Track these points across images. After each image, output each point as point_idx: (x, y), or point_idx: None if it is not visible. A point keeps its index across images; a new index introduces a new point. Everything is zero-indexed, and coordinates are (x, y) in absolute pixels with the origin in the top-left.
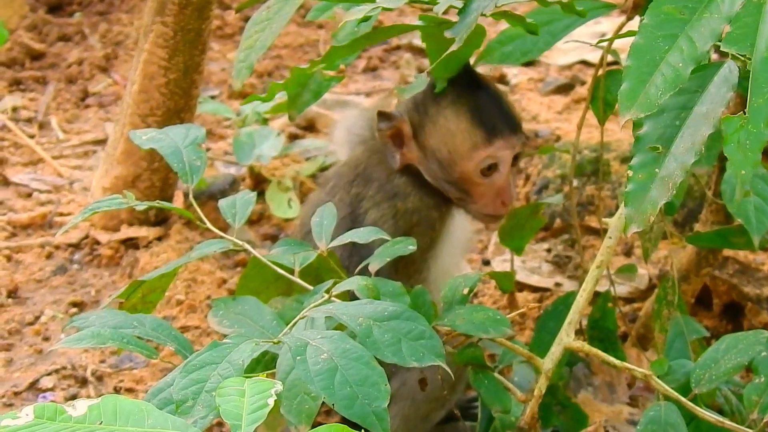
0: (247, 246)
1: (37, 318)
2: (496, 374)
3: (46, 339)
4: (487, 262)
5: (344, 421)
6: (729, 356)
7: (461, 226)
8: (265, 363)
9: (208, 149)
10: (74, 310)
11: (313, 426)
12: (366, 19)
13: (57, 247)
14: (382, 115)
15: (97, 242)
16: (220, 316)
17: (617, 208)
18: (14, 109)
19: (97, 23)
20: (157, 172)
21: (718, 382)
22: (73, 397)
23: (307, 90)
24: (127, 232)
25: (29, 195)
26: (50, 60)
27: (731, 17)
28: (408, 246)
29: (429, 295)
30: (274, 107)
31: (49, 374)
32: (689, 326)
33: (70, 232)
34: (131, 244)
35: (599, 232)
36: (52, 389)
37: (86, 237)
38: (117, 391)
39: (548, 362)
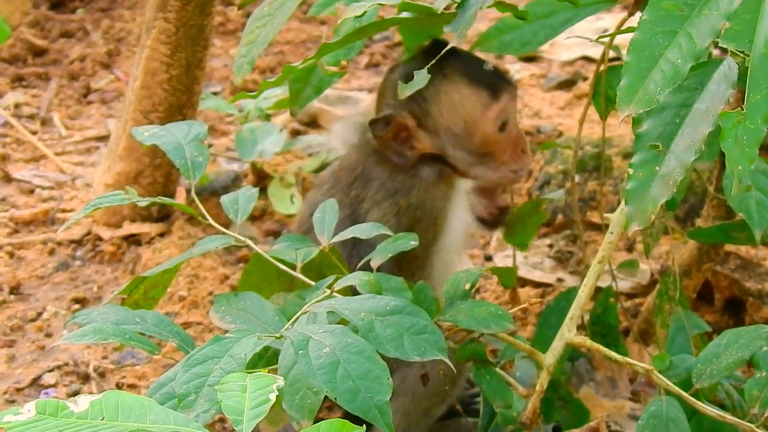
0: (250, 242)
1: (40, 314)
2: (497, 369)
3: (49, 335)
4: (489, 258)
5: (347, 416)
6: (730, 351)
7: (462, 220)
8: (267, 359)
9: (210, 145)
10: (76, 306)
11: (316, 421)
12: (363, 15)
13: (59, 244)
14: (376, 122)
15: (100, 238)
16: (222, 312)
17: (619, 203)
18: (16, 106)
19: (100, 20)
20: (160, 169)
21: (719, 377)
22: (76, 394)
23: (308, 86)
24: (129, 228)
25: (31, 191)
26: (52, 56)
27: (730, 14)
28: (410, 241)
29: (431, 290)
30: (276, 103)
31: (51, 370)
32: (691, 321)
33: (72, 228)
34: (133, 240)
35: (601, 228)
36: (54, 385)
37: (88, 233)
38: (119, 387)
39: (550, 357)
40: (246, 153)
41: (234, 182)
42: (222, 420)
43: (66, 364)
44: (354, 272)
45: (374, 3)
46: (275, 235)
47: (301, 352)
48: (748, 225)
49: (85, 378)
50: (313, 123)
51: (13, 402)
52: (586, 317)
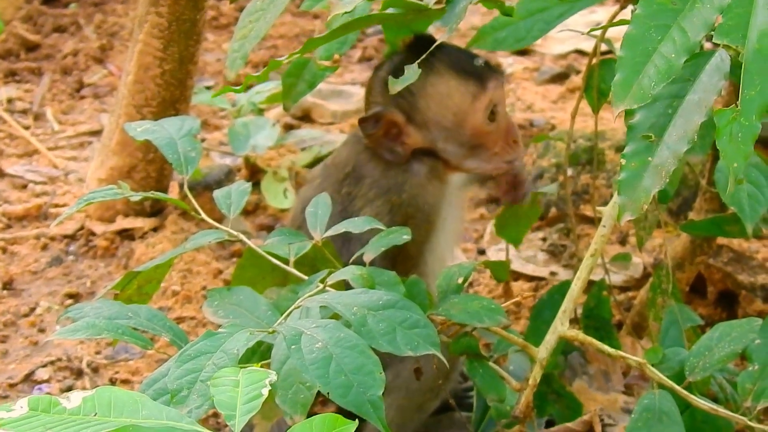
0: (243, 237)
1: (33, 309)
2: (491, 363)
3: (42, 330)
4: (482, 252)
5: (340, 411)
6: (723, 344)
7: (455, 214)
8: (260, 353)
9: (203, 140)
10: (69, 301)
11: (309, 415)
12: (353, 10)
13: (52, 239)
14: (365, 120)
15: (93, 233)
16: (215, 307)
17: (612, 196)
18: (9, 101)
19: (92, 14)
20: (153, 163)
21: (712, 370)
22: (69, 389)
23: (301, 80)
24: (122, 223)
25: (24, 186)
26: (45, 51)
27: (723, 8)
28: (402, 236)
29: (424, 284)
30: (269, 98)
31: (44, 366)
32: (684, 314)
33: (65, 223)
34: (127, 235)
35: (594, 221)
36: (47, 381)
37: (81, 228)
38: (113, 382)
39: (543, 351)
40: (239, 147)
41: (227, 177)
42: (216, 415)
43: (59, 360)
44: (347, 266)
45: None
46: (268, 229)
47: (293, 347)
48: (740, 218)
49: (79, 373)
50: (306, 117)
51: (6, 398)
52: (579, 311)
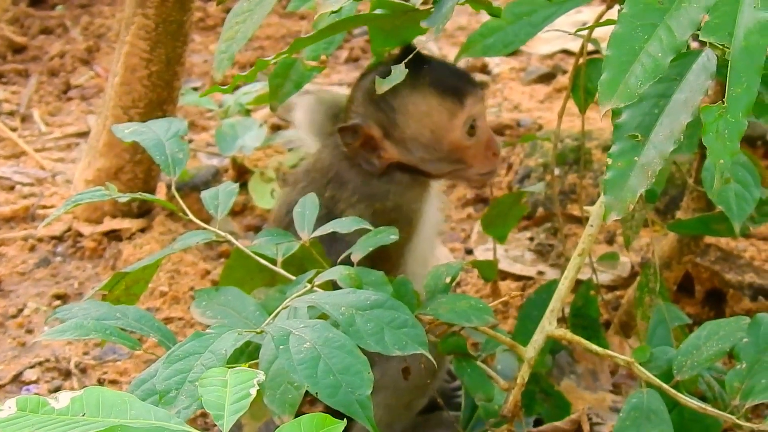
0: (230, 237)
1: (21, 311)
2: (479, 363)
3: (30, 331)
4: (469, 251)
5: (328, 410)
6: (711, 343)
7: (435, 217)
8: (248, 353)
9: (190, 141)
10: (57, 302)
11: (297, 415)
12: (339, 10)
13: (40, 240)
14: (345, 130)
15: (80, 234)
16: (203, 307)
17: (599, 196)
18: None
19: (79, 16)
20: (140, 164)
21: (700, 369)
22: (57, 390)
23: (288, 81)
24: (110, 224)
25: (12, 188)
26: (32, 53)
27: (709, 6)
28: (390, 235)
29: (411, 284)
30: (256, 98)
31: (32, 367)
32: (671, 313)
33: (53, 224)
34: (114, 236)
35: (581, 221)
36: (35, 382)
37: (69, 229)
38: (101, 383)
39: (531, 350)
40: (226, 148)
41: (214, 177)
42: (204, 415)
43: (47, 360)
44: (335, 267)
45: None
46: (256, 229)
47: (281, 347)
48: (728, 217)
49: (67, 374)
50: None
51: None
52: (567, 310)
